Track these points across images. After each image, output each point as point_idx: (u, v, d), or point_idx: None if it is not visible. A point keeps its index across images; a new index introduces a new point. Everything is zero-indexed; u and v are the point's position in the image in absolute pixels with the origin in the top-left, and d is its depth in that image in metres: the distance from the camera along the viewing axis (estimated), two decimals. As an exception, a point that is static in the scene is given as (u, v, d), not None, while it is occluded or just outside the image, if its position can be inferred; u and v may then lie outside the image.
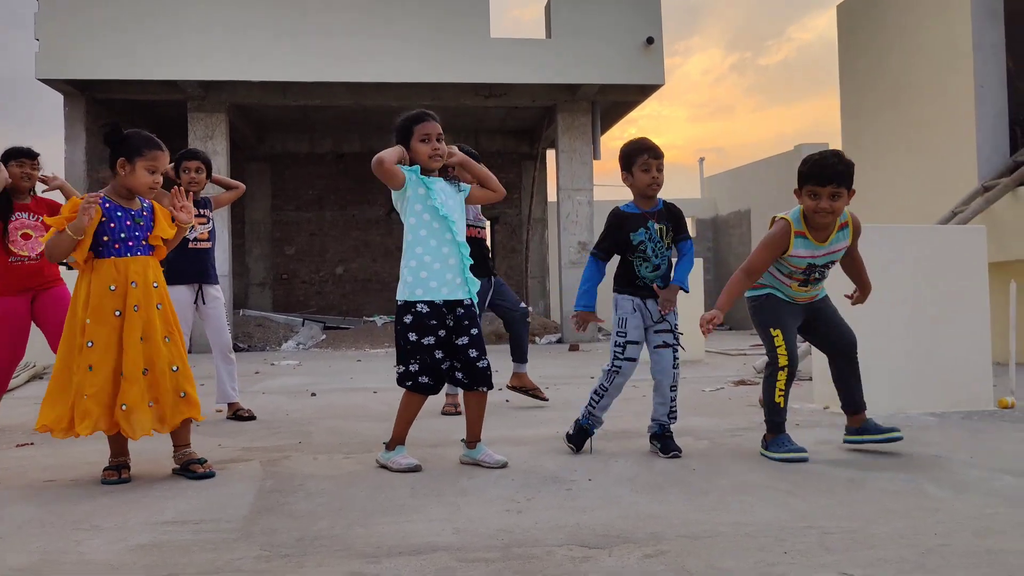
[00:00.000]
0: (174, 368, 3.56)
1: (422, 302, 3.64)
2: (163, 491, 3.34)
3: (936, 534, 2.53)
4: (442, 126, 3.76)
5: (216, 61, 12.37)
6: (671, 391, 4.02)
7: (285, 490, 3.31)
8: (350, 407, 5.89)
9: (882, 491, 3.11)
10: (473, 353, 3.70)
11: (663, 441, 3.93)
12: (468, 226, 4.80)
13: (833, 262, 3.91)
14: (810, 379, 5.92)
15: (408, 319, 3.64)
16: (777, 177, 16.39)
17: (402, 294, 3.68)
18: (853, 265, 4.02)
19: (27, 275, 4.95)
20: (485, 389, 3.76)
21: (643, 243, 3.96)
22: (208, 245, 5.42)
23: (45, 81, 12.26)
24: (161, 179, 3.67)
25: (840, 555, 2.36)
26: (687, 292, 4.13)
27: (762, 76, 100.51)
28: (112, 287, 3.47)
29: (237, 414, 5.37)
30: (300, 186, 18.25)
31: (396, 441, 3.76)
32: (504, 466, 3.66)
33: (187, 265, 5.27)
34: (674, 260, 4.15)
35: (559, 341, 14.20)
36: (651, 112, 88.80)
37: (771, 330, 3.89)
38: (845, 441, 3.99)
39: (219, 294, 5.47)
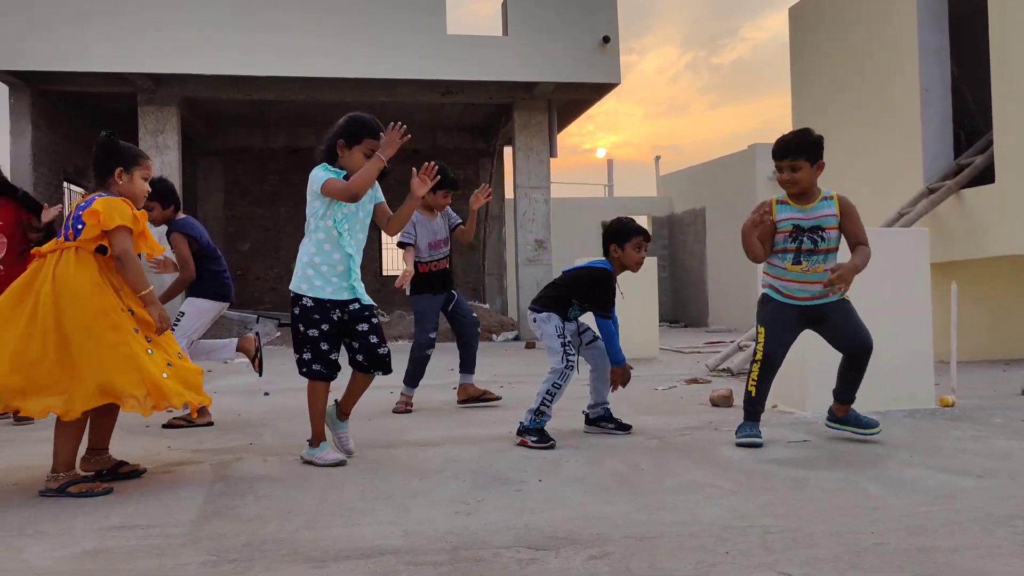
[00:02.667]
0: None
1: (307, 296, 3.85)
2: (110, 496, 3.30)
3: (872, 532, 2.61)
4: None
5: (167, 54, 12.16)
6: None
7: (234, 493, 3.30)
8: (302, 407, 5.75)
9: (823, 490, 3.19)
10: (374, 339, 3.92)
11: (616, 421, 4.49)
12: (438, 259, 5.61)
13: (821, 230, 4.02)
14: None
15: (296, 311, 3.88)
16: (732, 176, 16.61)
17: (293, 284, 3.92)
18: (853, 248, 4.08)
19: None
20: (381, 374, 4.00)
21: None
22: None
23: (-11, 72, 11.98)
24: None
25: (779, 554, 2.42)
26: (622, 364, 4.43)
27: (716, 75, 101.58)
28: None
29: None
30: (254, 181, 18.06)
31: (317, 436, 3.92)
32: (348, 457, 3.92)
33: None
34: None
35: (515, 339, 14.24)
36: (608, 108, 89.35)
37: (758, 326, 4.21)
38: (826, 424, 4.31)
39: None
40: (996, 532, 2.59)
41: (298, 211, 18.06)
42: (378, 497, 3.20)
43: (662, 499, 3.10)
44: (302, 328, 3.87)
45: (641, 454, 3.94)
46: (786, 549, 2.47)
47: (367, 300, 3.94)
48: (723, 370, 7.69)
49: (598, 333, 4.47)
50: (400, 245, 5.52)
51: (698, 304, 18.41)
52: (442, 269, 5.65)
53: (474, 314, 5.90)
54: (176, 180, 12.57)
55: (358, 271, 3.91)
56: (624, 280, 9.21)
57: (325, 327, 3.86)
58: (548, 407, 4.19)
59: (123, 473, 3.56)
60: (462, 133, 18.75)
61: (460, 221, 5.81)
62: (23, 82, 12.49)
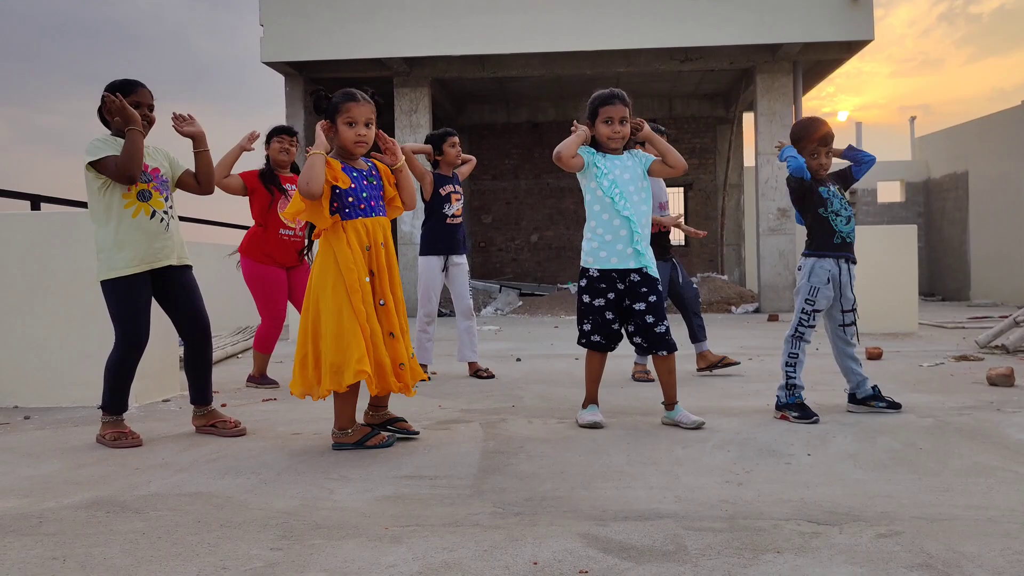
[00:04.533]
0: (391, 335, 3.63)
1: (594, 269, 3.99)
2: (397, 448, 3.60)
3: None
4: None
5: (419, 38, 12.87)
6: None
7: (507, 452, 3.48)
8: (554, 373, 6.06)
9: None
10: (650, 319, 3.96)
11: (886, 399, 4.24)
12: None
13: None
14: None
15: (583, 283, 4.05)
16: (1000, 136, 15.08)
17: (582, 262, 4.04)
18: None
19: (291, 250, 5.46)
20: (665, 353, 3.97)
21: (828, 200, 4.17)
22: (460, 220, 5.81)
23: (269, 64, 13.22)
24: (368, 130, 3.58)
25: (1098, 547, 2.22)
26: None
27: (975, 25, 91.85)
28: (368, 247, 3.54)
29: (477, 374, 5.81)
30: (497, 156, 18.70)
31: (588, 399, 4.10)
32: (700, 426, 3.88)
33: (442, 237, 5.70)
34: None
35: (756, 311, 13.84)
36: (850, 68, 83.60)
37: None
38: None
39: (463, 261, 5.84)
40: None
41: (538, 184, 18.56)
42: (644, 463, 3.26)
43: (948, 480, 2.92)
44: (587, 299, 4.03)
45: (916, 433, 3.72)
46: (1106, 542, 2.26)
47: (653, 272, 3.99)
48: (997, 347, 7.06)
49: (857, 317, 4.25)
50: None
51: (957, 276, 16.95)
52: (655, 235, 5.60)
53: (695, 285, 5.80)
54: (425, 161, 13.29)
55: (644, 236, 3.97)
56: (879, 249, 8.68)
57: (611, 296, 3.99)
58: (795, 377, 4.11)
59: (399, 428, 3.81)
60: (700, 100, 18.34)
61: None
62: (297, 71, 13.69)
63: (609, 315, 4.01)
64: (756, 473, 3.07)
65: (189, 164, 4.04)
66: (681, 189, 18.79)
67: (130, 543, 2.39)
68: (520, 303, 15.02)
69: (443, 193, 5.68)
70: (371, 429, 3.67)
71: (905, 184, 18.41)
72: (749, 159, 17.30)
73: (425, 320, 5.68)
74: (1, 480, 3.17)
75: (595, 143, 4.04)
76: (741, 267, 18.09)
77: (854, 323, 4.26)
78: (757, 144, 13.92)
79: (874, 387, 4.26)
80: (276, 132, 5.56)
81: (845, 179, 4.33)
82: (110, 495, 2.91)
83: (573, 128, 4.01)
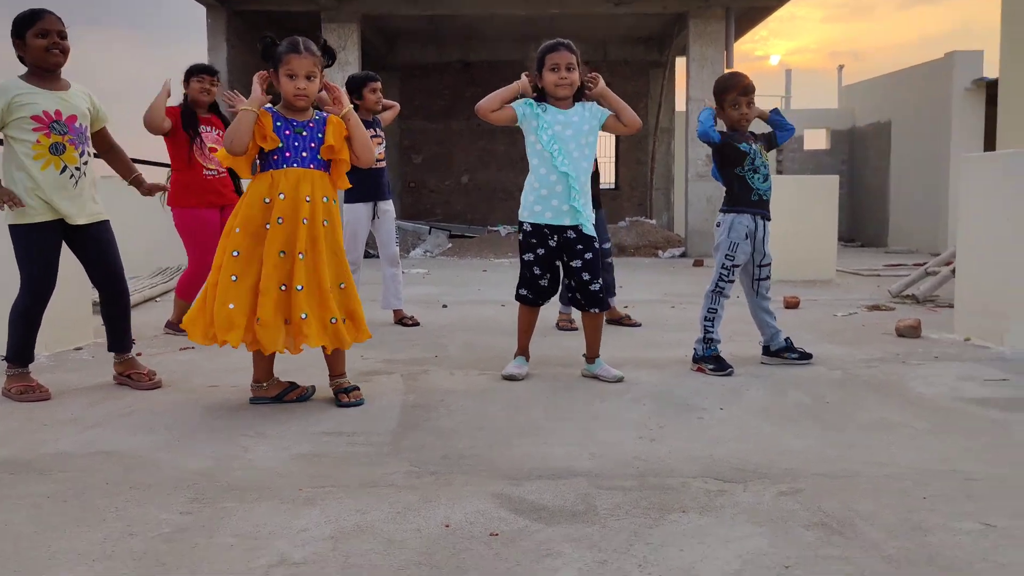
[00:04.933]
0: (341, 285, 3.52)
1: (527, 223, 3.99)
2: (317, 404, 3.57)
3: (1088, 486, 2.47)
4: (569, 36, 3.96)
5: (347, -30, 12.45)
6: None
7: (427, 406, 3.49)
8: (481, 320, 6.06)
9: (1029, 435, 3.02)
10: (585, 276, 3.98)
11: (798, 350, 4.37)
12: None
13: None
14: (950, 307, 5.70)
15: (520, 237, 4.06)
16: (923, 88, 15.41)
17: (519, 214, 4.07)
18: None
19: (218, 189, 5.30)
20: (596, 311, 4.03)
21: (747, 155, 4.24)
22: (383, 165, 5.71)
23: (188, -7, 12.67)
24: (309, 84, 3.44)
25: (983, 503, 2.34)
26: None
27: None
28: (266, 199, 3.38)
29: (402, 321, 5.82)
30: (428, 96, 18.38)
31: (518, 350, 4.18)
32: (620, 380, 3.94)
33: (366, 184, 5.55)
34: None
35: (683, 255, 14.04)
36: (782, 14, 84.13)
37: None
38: None
39: (390, 208, 5.78)
40: None
41: (469, 125, 18.33)
42: (562, 418, 3.31)
43: (853, 436, 3.04)
44: (520, 252, 4.06)
45: (826, 386, 3.85)
46: (991, 498, 2.38)
47: (589, 230, 3.96)
48: (908, 296, 7.31)
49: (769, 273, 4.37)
50: None
51: (877, 223, 17.43)
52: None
53: (608, 242, 5.75)
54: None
55: (581, 192, 3.93)
56: (801, 198, 8.84)
57: (541, 251, 3.98)
58: (712, 332, 4.21)
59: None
60: (633, 45, 18.24)
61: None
62: (219, 3, 13.14)
63: (536, 270, 4.02)
64: (669, 428, 3.14)
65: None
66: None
67: (35, 507, 2.33)
68: (450, 245, 14.96)
69: None
70: (290, 384, 3.62)
71: (831, 132, 18.73)
72: (681, 104, 17.35)
73: (350, 268, 5.60)
74: (-101, 438, 3.05)
75: (544, 96, 3.98)
76: (670, 211, 18.28)
77: (768, 277, 4.36)
78: (688, 90, 13.95)
79: (787, 339, 4.39)
80: (195, 71, 5.33)
81: (769, 142, 4.42)
82: (14, 454, 2.83)
83: (526, 75, 3.94)
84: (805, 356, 4.36)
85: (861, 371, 4.19)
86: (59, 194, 3.63)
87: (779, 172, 17.48)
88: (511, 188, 17.97)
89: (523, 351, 4.17)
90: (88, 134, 3.80)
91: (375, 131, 5.62)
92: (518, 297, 4.12)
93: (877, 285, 8.72)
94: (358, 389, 3.58)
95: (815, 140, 19.09)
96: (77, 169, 3.69)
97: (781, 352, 4.37)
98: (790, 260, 8.99)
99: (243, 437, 3.04)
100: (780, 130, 4.41)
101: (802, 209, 8.93)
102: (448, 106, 18.43)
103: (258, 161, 3.52)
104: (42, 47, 3.59)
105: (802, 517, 2.24)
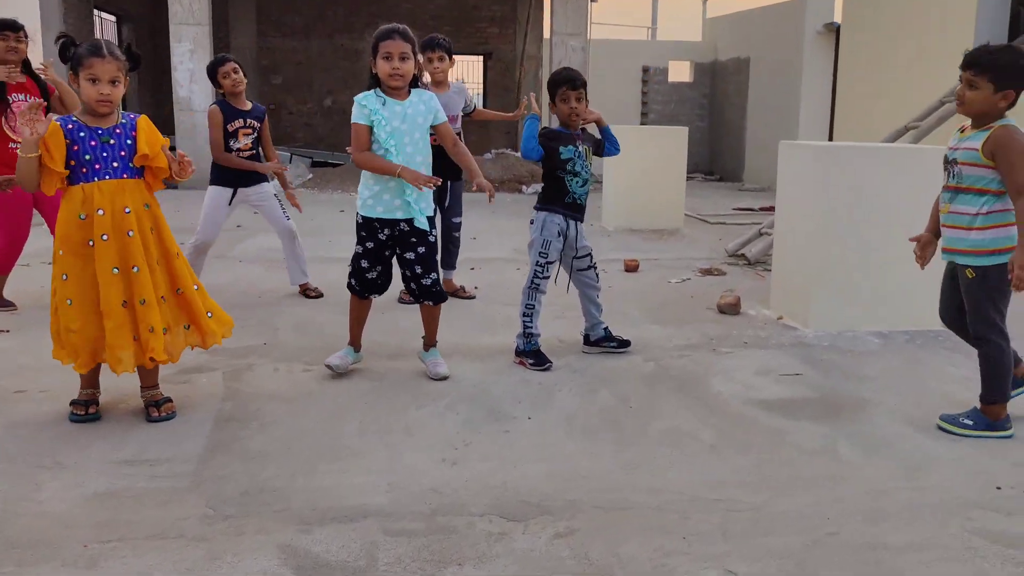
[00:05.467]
0: (177, 291, 3.50)
1: (360, 215, 4.02)
2: (128, 419, 3.50)
3: (829, 518, 2.74)
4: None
5: None
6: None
7: (241, 419, 3.50)
8: (321, 288, 5.95)
9: (799, 450, 3.31)
10: (419, 269, 4.05)
11: (616, 339, 4.57)
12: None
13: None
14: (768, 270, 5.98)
15: (356, 226, 4.07)
16: (778, 27, 15.83)
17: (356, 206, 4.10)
18: None
19: None
20: (431, 304, 4.13)
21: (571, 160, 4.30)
22: (253, 151, 5.62)
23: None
24: (112, 89, 3.25)
25: (735, 542, 2.57)
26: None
27: None
28: (82, 215, 3.27)
29: (305, 293, 5.84)
30: (286, 12, 17.59)
31: (350, 340, 4.22)
32: (445, 378, 4.05)
33: (227, 169, 5.49)
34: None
35: (545, 191, 14.21)
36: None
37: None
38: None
39: (264, 189, 5.70)
40: (949, 525, 2.71)
41: (331, 44, 17.71)
42: (375, 432, 3.39)
43: (642, 452, 3.25)
44: (355, 243, 4.08)
45: (634, 384, 4.06)
46: (743, 536, 2.62)
47: (422, 223, 3.96)
48: (740, 255, 7.69)
49: (593, 261, 4.50)
50: None
51: (734, 159, 18.04)
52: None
53: (460, 217, 5.85)
54: (206, 12, 12.40)
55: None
56: (652, 148, 9.08)
57: (370, 245, 4.00)
58: (531, 326, 4.34)
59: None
60: (502, -32, 17.93)
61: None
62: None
63: (364, 263, 4.05)
64: (475, 446, 3.27)
65: None
66: (481, 58, 18.57)
67: None
68: (310, 176, 14.62)
69: (230, 129, 5.47)
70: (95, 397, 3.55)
71: (694, 65, 19.08)
72: (547, 33, 17.25)
73: (195, 250, 5.42)
74: None
75: (381, 83, 3.93)
76: (537, 140, 18.34)
77: (592, 266, 4.51)
78: (553, 24, 13.90)
79: (605, 328, 4.58)
80: None
81: (598, 148, 4.53)
82: None
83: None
84: (624, 344, 4.58)
85: (673, 362, 4.43)
86: None
87: (644, 104, 17.77)
88: (376, 113, 17.57)
89: (354, 342, 4.21)
90: None
91: (244, 121, 5.50)
92: (348, 286, 4.15)
93: (719, 238, 9.07)
94: (170, 401, 3.55)
95: (679, 72, 19.39)
96: None
97: (600, 342, 4.57)
98: (640, 210, 9.31)
99: (39, 468, 2.99)
100: (608, 143, 4.53)
101: (652, 158, 9.20)
102: (307, 24, 17.73)
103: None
104: None
105: (569, 567, 2.42)
